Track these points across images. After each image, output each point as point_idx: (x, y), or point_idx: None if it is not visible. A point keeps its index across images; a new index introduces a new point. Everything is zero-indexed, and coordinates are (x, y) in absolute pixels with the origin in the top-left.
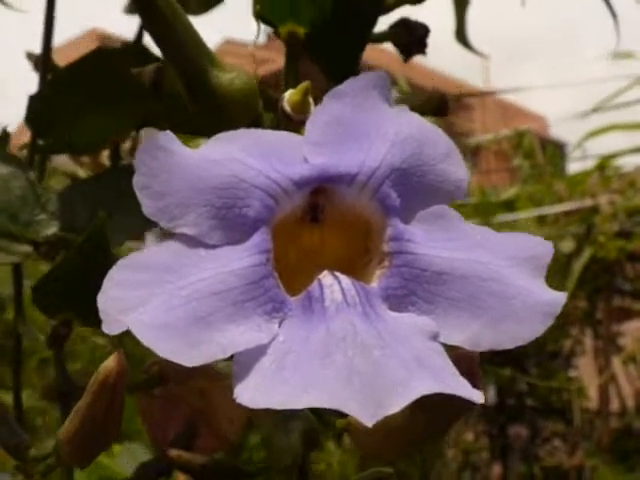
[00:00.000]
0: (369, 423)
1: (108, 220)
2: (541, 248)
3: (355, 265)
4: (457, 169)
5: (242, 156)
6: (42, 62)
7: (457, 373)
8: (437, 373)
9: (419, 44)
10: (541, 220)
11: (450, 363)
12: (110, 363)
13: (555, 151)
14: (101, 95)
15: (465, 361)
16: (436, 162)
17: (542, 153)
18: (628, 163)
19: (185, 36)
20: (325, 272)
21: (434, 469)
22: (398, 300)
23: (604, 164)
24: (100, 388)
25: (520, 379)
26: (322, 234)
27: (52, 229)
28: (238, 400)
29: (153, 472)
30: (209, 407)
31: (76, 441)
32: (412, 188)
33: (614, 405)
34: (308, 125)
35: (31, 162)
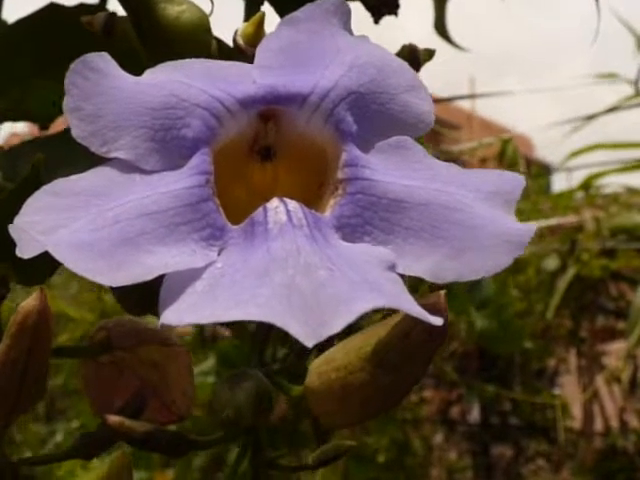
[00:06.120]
0: (309, 343)
1: (53, 173)
2: (512, 182)
3: (309, 200)
4: (421, 102)
5: (185, 79)
6: None
7: (413, 300)
8: (387, 292)
9: (390, 3)
10: None
11: (407, 292)
12: (30, 302)
13: (540, 171)
14: (53, 57)
15: (432, 297)
16: (398, 92)
17: (528, 171)
18: (613, 182)
19: None
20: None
21: None
22: (352, 229)
23: (589, 183)
24: (19, 331)
25: (504, 397)
26: (274, 170)
27: None
28: (162, 321)
29: (94, 442)
30: (162, 379)
31: None
32: (371, 116)
33: (598, 425)
34: (258, 51)
35: None
